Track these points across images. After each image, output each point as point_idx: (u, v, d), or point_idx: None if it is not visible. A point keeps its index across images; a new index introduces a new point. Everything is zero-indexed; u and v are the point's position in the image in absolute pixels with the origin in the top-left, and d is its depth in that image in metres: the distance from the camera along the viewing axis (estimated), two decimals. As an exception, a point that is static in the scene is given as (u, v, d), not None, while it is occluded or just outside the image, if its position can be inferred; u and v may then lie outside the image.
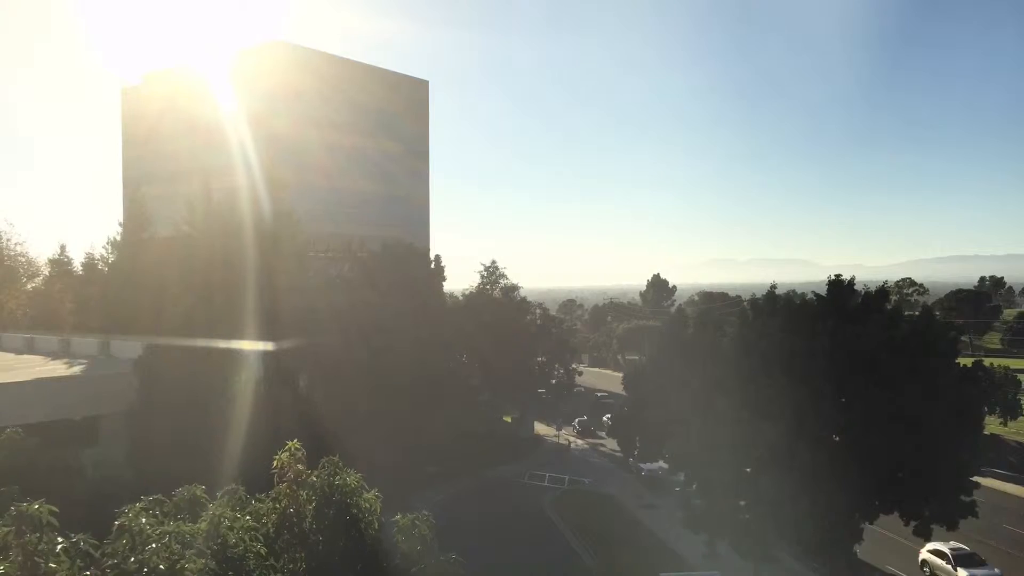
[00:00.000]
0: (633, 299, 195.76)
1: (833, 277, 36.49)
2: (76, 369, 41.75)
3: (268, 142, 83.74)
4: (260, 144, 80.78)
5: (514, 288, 79.79)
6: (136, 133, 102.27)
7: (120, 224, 64.19)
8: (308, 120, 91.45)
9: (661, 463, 45.20)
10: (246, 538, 12.28)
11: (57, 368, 41.96)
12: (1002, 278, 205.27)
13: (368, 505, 15.54)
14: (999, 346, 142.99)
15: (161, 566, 10.10)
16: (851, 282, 36.10)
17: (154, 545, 10.34)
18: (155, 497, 12.07)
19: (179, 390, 31.16)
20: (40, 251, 69.07)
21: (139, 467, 30.34)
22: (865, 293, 36.64)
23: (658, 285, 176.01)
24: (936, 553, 40.85)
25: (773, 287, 41.95)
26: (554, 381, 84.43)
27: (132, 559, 9.96)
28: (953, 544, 40.91)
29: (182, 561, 10.26)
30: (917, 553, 42.14)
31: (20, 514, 9.35)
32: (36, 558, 9.08)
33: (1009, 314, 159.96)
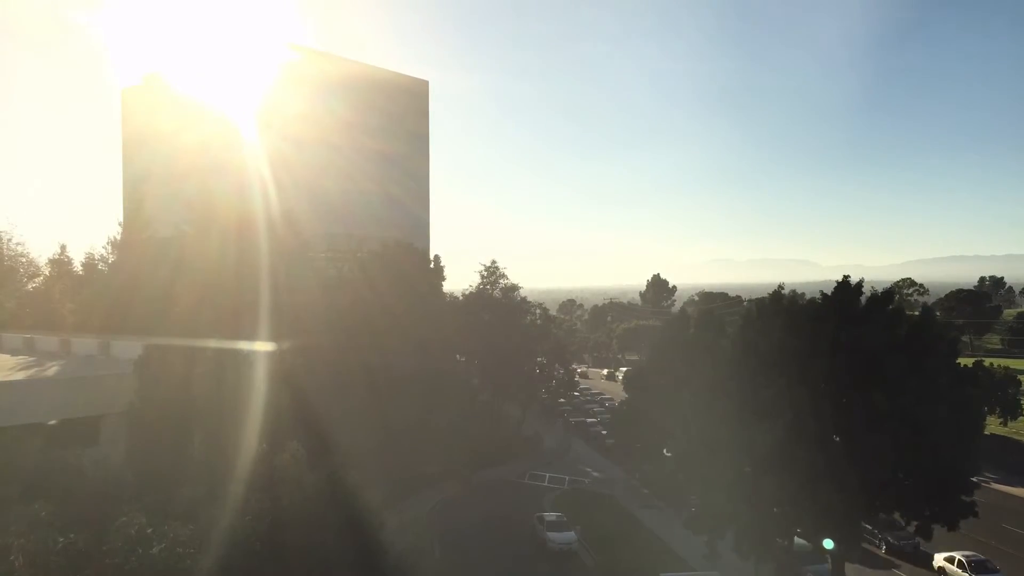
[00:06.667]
0: (633, 299, 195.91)
1: (840, 279, 36.32)
2: (76, 369, 41.67)
3: (268, 142, 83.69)
4: (260, 144, 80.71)
5: (514, 288, 79.68)
6: (136, 133, 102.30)
7: (120, 224, 64.15)
8: (308, 119, 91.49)
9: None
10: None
11: (57, 368, 41.89)
12: (1002, 278, 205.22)
13: (367, 504, 15.56)
14: (999, 346, 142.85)
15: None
16: (859, 285, 35.94)
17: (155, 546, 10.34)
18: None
19: (179, 390, 31.10)
20: (40, 251, 68.66)
21: (139, 467, 30.28)
22: (871, 295, 36.47)
23: (658, 285, 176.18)
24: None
25: (780, 287, 41.96)
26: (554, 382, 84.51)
27: (133, 558, 9.96)
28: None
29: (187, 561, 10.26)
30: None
31: (22, 515, 9.36)
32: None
33: (1009, 314, 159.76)
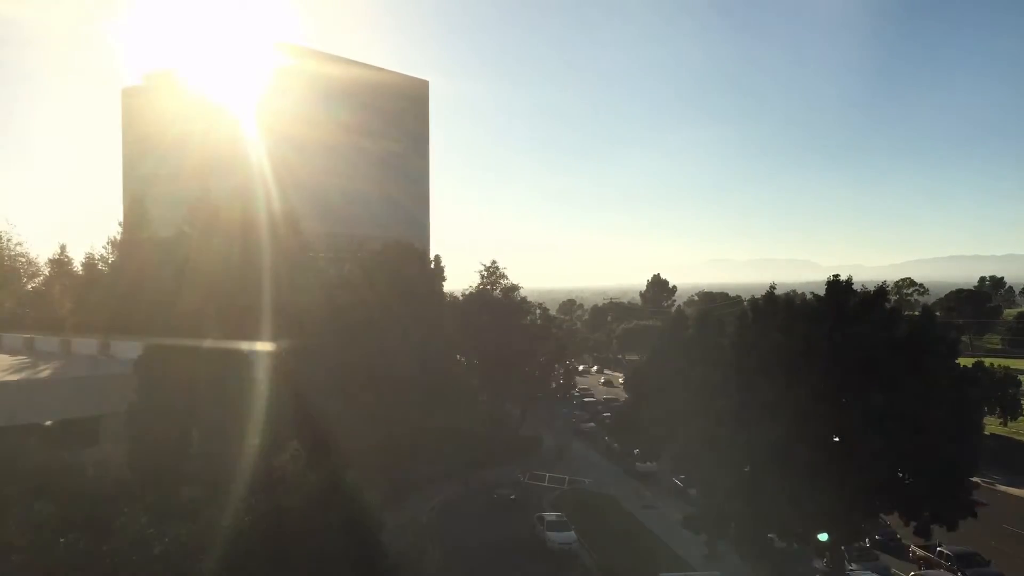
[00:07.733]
0: (633, 299, 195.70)
1: (832, 277, 36.39)
2: (76, 369, 41.69)
3: (268, 142, 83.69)
4: (260, 144, 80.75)
5: (514, 288, 79.62)
6: (136, 133, 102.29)
7: (120, 224, 64.08)
8: (309, 119, 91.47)
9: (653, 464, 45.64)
10: None
11: (57, 368, 41.91)
12: (1002, 278, 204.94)
13: (367, 505, 15.57)
14: (999, 346, 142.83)
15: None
16: (849, 282, 35.97)
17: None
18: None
19: (179, 390, 31.12)
20: (40, 251, 68.72)
21: (139, 467, 30.30)
22: (864, 293, 36.55)
23: (658, 285, 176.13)
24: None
25: (772, 288, 41.88)
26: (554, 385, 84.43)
27: (134, 558, 9.99)
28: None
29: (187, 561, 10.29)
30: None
31: (22, 516, 9.38)
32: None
33: (1009, 314, 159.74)
